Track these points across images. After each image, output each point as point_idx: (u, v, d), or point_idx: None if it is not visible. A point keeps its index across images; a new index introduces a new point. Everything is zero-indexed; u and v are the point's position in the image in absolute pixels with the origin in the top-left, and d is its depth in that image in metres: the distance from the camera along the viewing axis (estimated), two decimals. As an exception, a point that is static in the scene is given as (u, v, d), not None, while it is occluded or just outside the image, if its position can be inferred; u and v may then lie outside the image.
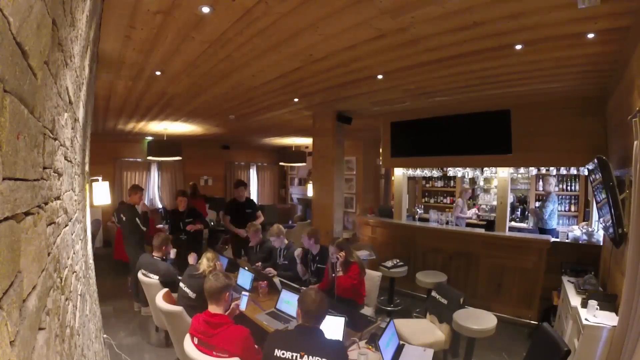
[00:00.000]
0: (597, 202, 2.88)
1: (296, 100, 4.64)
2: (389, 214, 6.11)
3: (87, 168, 3.01)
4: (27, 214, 0.56)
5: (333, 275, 3.26)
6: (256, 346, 2.16)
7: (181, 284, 3.07)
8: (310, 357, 1.78)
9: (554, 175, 5.40)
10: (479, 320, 2.95)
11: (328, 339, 1.93)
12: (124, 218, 4.70)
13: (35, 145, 0.62)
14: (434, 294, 3.31)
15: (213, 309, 2.16)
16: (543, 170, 5.18)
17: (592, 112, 3.86)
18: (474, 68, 3.22)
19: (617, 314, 2.26)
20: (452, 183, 7.40)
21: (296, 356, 1.80)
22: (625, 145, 2.58)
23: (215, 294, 2.15)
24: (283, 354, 1.83)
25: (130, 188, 5.08)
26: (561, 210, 5.77)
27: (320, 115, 5.39)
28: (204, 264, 2.98)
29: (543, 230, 5.00)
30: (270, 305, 3.10)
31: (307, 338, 1.88)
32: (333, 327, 2.39)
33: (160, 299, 2.86)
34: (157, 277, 3.34)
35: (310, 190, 8.36)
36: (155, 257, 3.57)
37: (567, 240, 4.34)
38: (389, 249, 5.53)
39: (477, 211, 6.57)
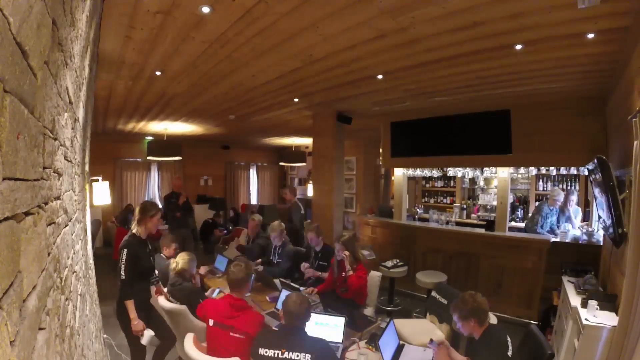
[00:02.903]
0: (597, 202, 2.88)
1: (296, 100, 4.64)
2: (389, 214, 6.11)
3: (87, 168, 3.01)
4: (27, 214, 0.56)
5: (343, 274, 3.25)
6: None
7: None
8: (291, 352, 1.86)
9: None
10: (479, 320, 2.95)
11: (310, 336, 1.99)
12: None
13: (35, 145, 0.62)
14: (434, 294, 3.31)
15: (235, 294, 2.30)
16: (543, 170, 5.18)
17: (592, 112, 3.86)
18: (474, 68, 3.22)
19: (617, 314, 2.26)
20: (452, 183, 7.40)
21: (277, 353, 1.88)
22: (625, 145, 2.58)
23: (237, 284, 2.29)
24: (266, 352, 1.90)
25: None
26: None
27: (320, 115, 5.39)
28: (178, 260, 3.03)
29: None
30: (270, 305, 3.11)
31: (288, 336, 1.96)
32: (333, 327, 2.40)
33: (162, 299, 2.86)
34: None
35: (310, 190, 8.36)
36: (162, 256, 3.68)
37: (567, 240, 4.34)
38: (389, 249, 5.52)
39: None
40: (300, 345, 1.88)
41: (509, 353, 1.87)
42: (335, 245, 3.28)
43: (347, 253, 3.15)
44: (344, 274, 3.21)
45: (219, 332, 2.19)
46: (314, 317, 2.45)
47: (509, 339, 1.96)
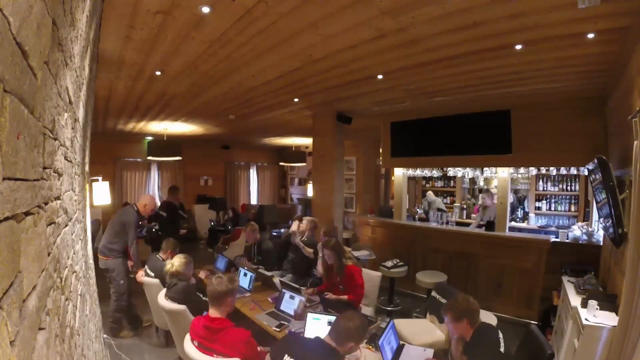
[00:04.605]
0: (597, 202, 2.88)
1: (296, 100, 4.64)
2: (389, 214, 6.11)
3: (87, 168, 3.01)
4: (27, 214, 0.56)
5: (338, 279, 3.27)
6: (259, 348, 2.15)
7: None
8: None
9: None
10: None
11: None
12: None
13: (35, 145, 0.62)
14: (434, 294, 3.31)
15: (213, 312, 2.13)
16: (543, 170, 5.18)
17: (592, 112, 3.86)
18: (474, 68, 3.22)
19: (617, 314, 2.26)
20: (452, 183, 7.40)
21: None
22: (625, 145, 2.58)
23: (216, 298, 2.12)
24: None
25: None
26: (561, 210, 5.78)
27: (320, 115, 5.39)
28: (174, 261, 2.99)
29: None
30: (270, 305, 3.11)
31: (322, 356, 1.78)
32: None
33: (162, 299, 2.87)
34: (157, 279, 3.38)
35: (310, 190, 8.35)
36: (159, 257, 3.64)
37: (567, 240, 4.34)
38: (389, 249, 5.52)
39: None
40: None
41: (502, 349, 1.88)
42: (324, 251, 3.27)
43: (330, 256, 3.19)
44: (338, 279, 3.24)
45: (204, 353, 2.04)
46: (314, 316, 2.45)
47: (500, 335, 1.96)
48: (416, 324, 3.19)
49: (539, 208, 6.01)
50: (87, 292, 1.97)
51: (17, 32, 0.46)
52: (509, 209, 4.98)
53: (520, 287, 4.32)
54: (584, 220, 5.23)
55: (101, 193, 4.70)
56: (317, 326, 2.40)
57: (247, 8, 2.16)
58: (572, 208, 5.71)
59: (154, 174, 9.35)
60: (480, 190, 6.87)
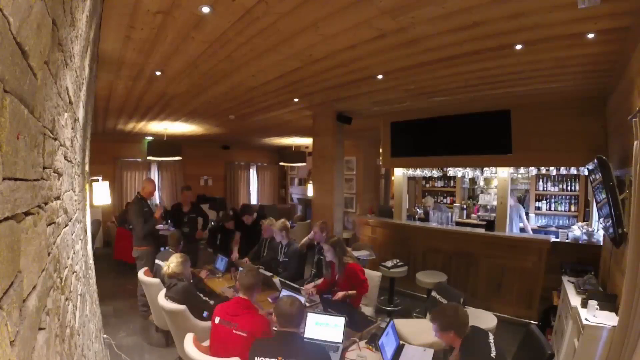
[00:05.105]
0: (597, 202, 2.88)
1: (296, 100, 4.64)
2: (389, 214, 6.10)
3: (87, 168, 3.01)
4: (27, 214, 0.56)
5: (337, 276, 3.26)
6: None
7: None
8: None
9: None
10: (479, 320, 2.95)
11: (308, 343, 1.96)
12: None
13: (35, 145, 0.62)
14: (434, 294, 3.31)
15: (243, 295, 2.34)
16: (543, 170, 5.18)
17: (592, 112, 3.86)
18: (474, 68, 3.22)
19: (617, 314, 2.26)
20: (452, 183, 7.40)
21: None
22: (625, 145, 2.58)
23: (248, 289, 2.34)
24: None
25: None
26: (561, 210, 5.79)
27: (320, 115, 5.39)
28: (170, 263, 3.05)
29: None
30: (270, 305, 3.10)
31: (285, 343, 1.91)
32: (333, 327, 2.40)
33: (162, 299, 2.87)
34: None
35: (310, 190, 8.35)
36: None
37: (567, 240, 4.34)
38: (389, 249, 5.52)
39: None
40: (297, 353, 1.84)
41: (492, 354, 1.86)
42: (324, 247, 3.27)
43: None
44: (337, 276, 3.23)
45: (223, 330, 2.20)
46: (314, 317, 2.45)
47: (491, 339, 1.95)
48: (416, 324, 3.19)
49: (539, 208, 6.02)
50: (87, 292, 1.98)
51: (17, 32, 0.46)
52: (509, 209, 4.98)
53: (520, 287, 4.32)
54: (584, 220, 5.23)
55: (101, 193, 4.71)
56: (317, 326, 2.40)
57: (247, 8, 2.16)
58: (572, 208, 5.71)
59: (154, 174, 9.35)
60: (482, 191, 6.87)
